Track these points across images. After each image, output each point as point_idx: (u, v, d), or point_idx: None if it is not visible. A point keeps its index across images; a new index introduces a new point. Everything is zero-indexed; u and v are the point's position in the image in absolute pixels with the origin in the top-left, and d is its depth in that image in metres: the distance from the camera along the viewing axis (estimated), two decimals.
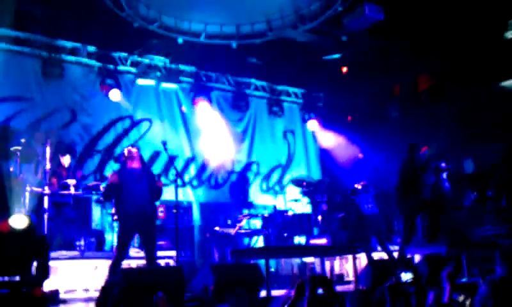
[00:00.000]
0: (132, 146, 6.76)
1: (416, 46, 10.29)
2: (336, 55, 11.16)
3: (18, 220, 4.58)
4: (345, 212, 9.87)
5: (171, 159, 7.52)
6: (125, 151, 6.55)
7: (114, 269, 6.01)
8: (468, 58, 10.08)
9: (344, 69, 11.76)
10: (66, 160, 8.69)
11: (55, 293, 6.09)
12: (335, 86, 12.41)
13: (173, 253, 7.96)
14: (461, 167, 10.31)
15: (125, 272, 5.09)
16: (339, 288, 7.23)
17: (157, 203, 8.35)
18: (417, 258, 8.13)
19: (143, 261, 7.06)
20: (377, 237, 8.82)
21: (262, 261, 6.66)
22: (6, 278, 4.90)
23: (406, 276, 3.17)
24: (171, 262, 7.88)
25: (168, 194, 8.41)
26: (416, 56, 10.75)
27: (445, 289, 4.45)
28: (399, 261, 7.11)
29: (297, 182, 10.87)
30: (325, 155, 13.00)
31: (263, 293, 5.93)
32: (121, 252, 6.24)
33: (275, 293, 6.14)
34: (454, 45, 9.88)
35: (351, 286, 7.31)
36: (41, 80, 9.68)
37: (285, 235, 9.69)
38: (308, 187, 10.60)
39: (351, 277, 8.03)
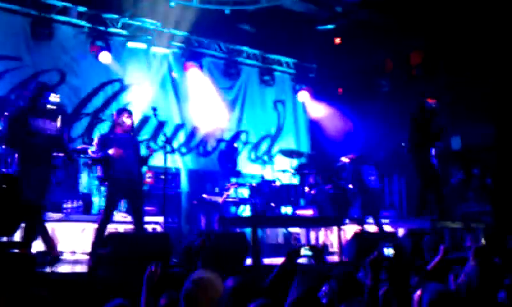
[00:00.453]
0: (129, 113, 6.74)
1: (410, 20, 10.24)
2: (330, 26, 11.08)
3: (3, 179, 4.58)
4: (333, 184, 9.95)
5: (161, 125, 7.51)
6: (122, 118, 6.58)
7: (101, 233, 6.05)
8: (461, 34, 10.07)
9: (337, 40, 11.70)
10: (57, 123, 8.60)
11: (42, 254, 6.12)
12: (328, 58, 12.35)
13: (160, 219, 8.00)
14: (448, 144, 10.39)
15: (112, 238, 5.11)
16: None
17: (145, 169, 8.41)
18: (401, 231, 8.26)
19: (130, 226, 7.10)
20: (374, 211, 8.90)
21: (248, 230, 6.72)
22: None
23: (389, 251, 3.21)
24: (158, 228, 7.91)
25: (156, 160, 8.42)
26: (409, 31, 10.71)
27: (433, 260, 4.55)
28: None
29: (286, 153, 10.92)
30: (315, 127, 13.04)
31: (248, 261, 6.00)
32: (108, 216, 6.29)
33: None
34: (447, 20, 9.84)
35: (335, 257, 7.40)
36: (30, 40, 9.52)
37: (272, 204, 9.75)
38: (297, 156, 10.74)
39: (335, 249, 8.12)
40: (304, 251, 3.57)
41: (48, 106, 6.26)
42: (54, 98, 6.34)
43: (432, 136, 8.24)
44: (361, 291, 3.26)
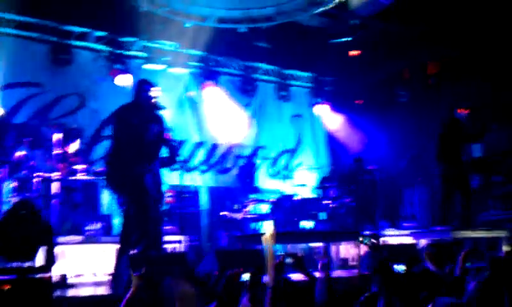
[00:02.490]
0: None
1: (426, 30, 10.21)
2: (346, 39, 11.09)
3: (21, 205, 4.68)
4: (353, 196, 9.93)
5: (177, 149, 7.56)
6: None
7: (122, 254, 6.12)
8: (478, 42, 9.99)
9: (354, 53, 11.69)
10: (74, 146, 8.76)
11: (63, 277, 6.22)
12: (344, 71, 12.36)
13: (180, 238, 8.06)
14: (469, 151, 10.27)
15: (130, 258, 5.18)
16: (343, 273, 7.30)
17: (165, 188, 8.51)
18: (423, 242, 8.17)
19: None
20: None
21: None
22: (15, 264, 5.02)
23: (399, 268, 3.22)
24: (178, 247, 7.98)
25: (175, 179, 8.51)
26: (425, 40, 10.67)
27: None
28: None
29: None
30: (333, 140, 13.03)
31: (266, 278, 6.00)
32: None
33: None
34: (463, 29, 9.78)
35: (355, 271, 7.36)
36: (51, 65, 9.79)
37: (295, 219, 9.77)
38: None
39: (355, 262, 8.07)
40: (287, 260, 3.64)
41: (150, 102, 6.04)
42: (155, 92, 6.12)
43: (462, 145, 8.15)
44: None
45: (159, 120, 6.27)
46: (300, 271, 3.75)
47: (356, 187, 9.87)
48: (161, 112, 6.25)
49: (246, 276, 3.77)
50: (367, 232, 6.98)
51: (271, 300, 3.41)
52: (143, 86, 6.26)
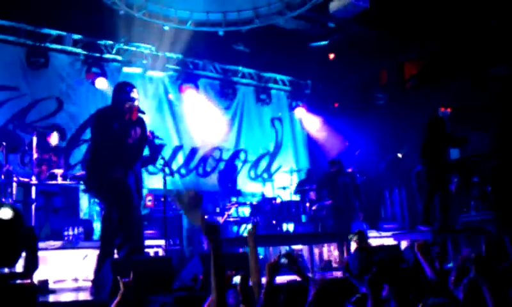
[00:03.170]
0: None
1: (403, 33, 10.32)
2: (324, 42, 11.16)
3: (3, 211, 4.54)
4: (333, 199, 9.95)
5: (160, 148, 7.48)
6: None
7: (103, 259, 6.01)
8: (456, 45, 10.14)
9: (331, 56, 11.77)
10: (53, 139, 8.58)
11: (44, 283, 6.09)
12: (323, 73, 12.42)
13: (161, 242, 7.98)
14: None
15: (114, 263, 5.09)
16: (327, 274, 7.31)
17: (145, 192, 8.42)
18: (404, 244, 8.23)
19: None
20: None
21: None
22: None
23: None
24: (160, 251, 7.90)
25: (156, 182, 8.41)
26: (403, 43, 10.79)
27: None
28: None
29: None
30: (313, 143, 13.07)
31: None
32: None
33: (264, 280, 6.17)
34: (441, 31, 9.91)
35: (339, 273, 7.37)
36: (27, 69, 9.60)
37: (274, 222, 9.75)
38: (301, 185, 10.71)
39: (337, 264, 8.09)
40: (282, 260, 3.62)
41: (129, 104, 5.84)
42: (134, 94, 5.94)
43: (445, 145, 8.20)
44: None
45: (140, 123, 6.18)
46: (294, 271, 3.72)
47: (335, 189, 9.89)
48: (141, 115, 6.13)
49: (236, 279, 3.73)
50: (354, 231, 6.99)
51: (265, 301, 3.38)
52: (123, 87, 6.16)
